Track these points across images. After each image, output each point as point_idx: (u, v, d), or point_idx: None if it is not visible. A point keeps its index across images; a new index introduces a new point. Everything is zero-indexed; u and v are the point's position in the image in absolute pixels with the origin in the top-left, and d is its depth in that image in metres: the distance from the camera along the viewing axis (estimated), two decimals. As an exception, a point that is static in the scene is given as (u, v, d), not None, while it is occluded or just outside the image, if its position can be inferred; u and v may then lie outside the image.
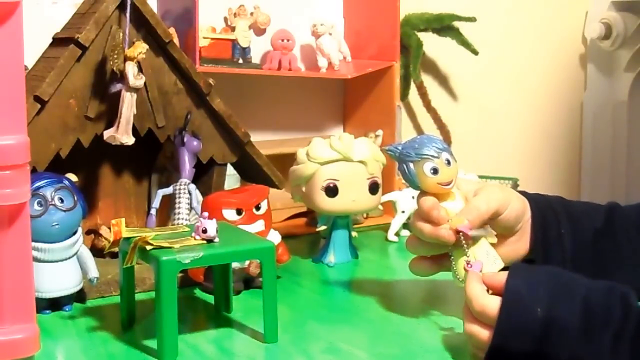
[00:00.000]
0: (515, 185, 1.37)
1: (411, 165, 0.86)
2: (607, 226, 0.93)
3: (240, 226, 0.95)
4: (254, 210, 0.99)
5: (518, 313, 0.73)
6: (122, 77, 0.96)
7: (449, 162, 0.86)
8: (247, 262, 0.98)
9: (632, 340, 0.70)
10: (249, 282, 1.00)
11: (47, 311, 0.92)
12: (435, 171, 0.85)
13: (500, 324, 0.73)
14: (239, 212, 0.98)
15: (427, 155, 0.85)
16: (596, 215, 0.94)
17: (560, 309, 0.72)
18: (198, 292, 1.00)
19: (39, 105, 0.95)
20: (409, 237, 0.91)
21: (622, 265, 0.93)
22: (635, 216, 0.95)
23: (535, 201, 0.93)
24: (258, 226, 0.99)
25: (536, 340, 0.71)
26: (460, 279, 0.84)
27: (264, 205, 1.00)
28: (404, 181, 0.89)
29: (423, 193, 0.87)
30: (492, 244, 0.87)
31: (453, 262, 0.86)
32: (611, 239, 0.93)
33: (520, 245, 0.91)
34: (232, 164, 1.13)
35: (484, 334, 0.74)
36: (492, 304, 0.74)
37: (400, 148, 0.87)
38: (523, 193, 0.94)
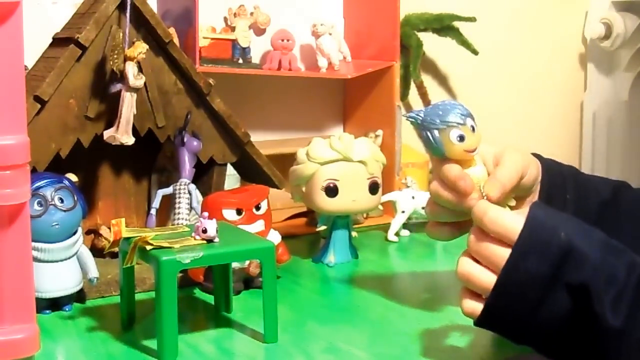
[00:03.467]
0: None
1: (436, 132, 0.83)
2: (613, 200, 0.93)
3: (240, 226, 0.95)
4: (254, 210, 0.99)
5: (542, 232, 0.72)
6: (122, 77, 0.96)
7: (473, 129, 0.83)
8: (247, 262, 0.98)
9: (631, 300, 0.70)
10: (249, 282, 1.01)
11: (47, 311, 0.92)
12: (461, 138, 0.83)
13: (521, 240, 0.72)
14: (239, 212, 0.98)
15: (453, 122, 0.82)
16: (604, 188, 0.94)
17: (581, 241, 0.72)
18: (198, 292, 1.00)
19: (39, 105, 0.95)
20: (429, 203, 0.87)
21: (622, 241, 0.92)
22: None
23: (547, 166, 0.93)
24: (258, 226, 0.99)
25: (554, 263, 0.71)
26: None
27: (264, 205, 1.00)
28: (425, 149, 0.86)
29: (446, 160, 0.84)
30: (510, 207, 0.86)
31: None
32: (615, 213, 0.92)
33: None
34: (232, 164, 1.13)
35: (486, 275, 0.73)
36: (513, 223, 0.73)
37: (422, 115, 0.84)
38: (537, 156, 0.93)
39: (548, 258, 0.71)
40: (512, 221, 0.74)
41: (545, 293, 0.71)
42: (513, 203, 0.86)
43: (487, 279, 0.74)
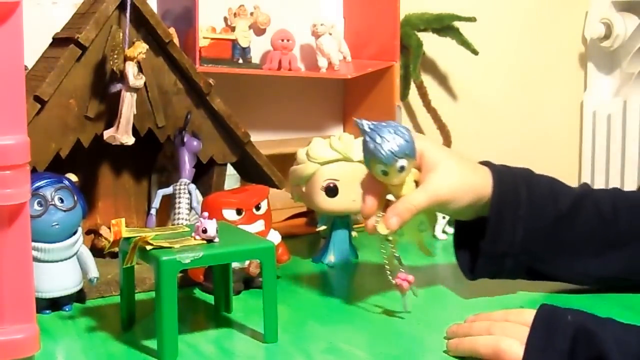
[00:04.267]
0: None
1: (368, 151, 0.85)
2: (572, 212, 0.92)
3: (240, 226, 0.95)
4: (254, 210, 0.99)
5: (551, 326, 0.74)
6: (122, 77, 0.96)
7: (402, 169, 0.85)
8: (247, 262, 0.98)
9: None
10: (249, 282, 1.00)
11: (47, 311, 0.92)
12: (385, 173, 0.85)
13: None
14: (239, 212, 0.98)
15: (381, 157, 0.84)
16: (563, 200, 0.93)
17: (591, 321, 0.73)
18: (198, 292, 1.00)
19: (39, 105, 0.95)
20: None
21: (578, 254, 0.93)
22: (605, 204, 0.94)
23: (500, 178, 0.92)
24: (258, 226, 0.99)
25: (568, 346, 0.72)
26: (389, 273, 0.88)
27: (264, 205, 1.00)
28: (364, 153, 0.87)
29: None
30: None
31: (383, 252, 0.89)
32: (571, 227, 0.92)
33: (475, 213, 0.93)
34: (232, 164, 1.13)
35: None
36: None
37: (368, 129, 0.85)
38: (489, 165, 0.93)
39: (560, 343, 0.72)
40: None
41: None
42: (423, 230, 0.91)
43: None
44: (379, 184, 0.87)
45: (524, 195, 0.92)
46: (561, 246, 0.93)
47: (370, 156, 0.85)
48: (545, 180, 0.96)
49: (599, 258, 0.93)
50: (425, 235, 0.92)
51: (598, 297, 0.94)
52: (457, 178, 0.89)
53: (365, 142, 0.85)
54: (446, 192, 0.88)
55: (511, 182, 0.93)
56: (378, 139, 0.84)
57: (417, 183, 0.89)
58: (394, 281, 0.89)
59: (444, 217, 1.25)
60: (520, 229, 0.91)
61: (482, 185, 0.91)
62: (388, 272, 0.89)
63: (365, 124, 0.85)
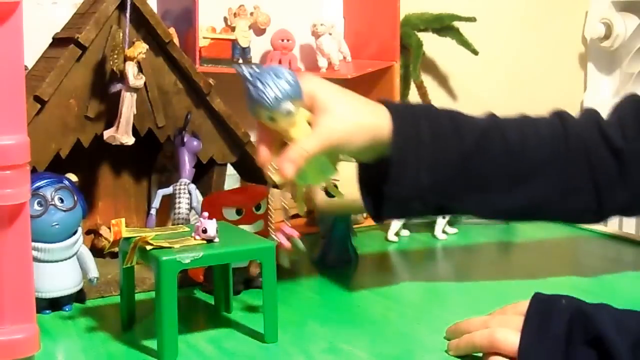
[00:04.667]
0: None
1: (251, 98, 0.82)
2: (477, 148, 0.90)
3: (240, 226, 0.95)
4: (253, 210, 0.99)
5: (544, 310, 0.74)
6: (122, 77, 0.96)
7: (289, 113, 0.82)
8: (247, 262, 0.97)
9: None
10: (249, 282, 1.00)
11: (47, 311, 0.92)
12: (271, 119, 0.82)
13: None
14: (238, 212, 0.98)
15: (264, 103, 0.81)
16: (468, 136, 0.90)
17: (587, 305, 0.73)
18: (198, 292, 1.00)
19: (39, 105, 0.95)
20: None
21: (486, 190, 0.91)
22: (512, 135, 0.92)
23: (399, 118, 0.88)
24: (258, 226, 0.99)
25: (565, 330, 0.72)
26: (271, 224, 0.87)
27: (264, 205, 1.00)
28: (248, 101, 0.84)
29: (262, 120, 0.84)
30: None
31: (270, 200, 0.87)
32: (477, 164, 0.90)
33: (376, 152, 0.89)
34: (232, 164, 1.13)
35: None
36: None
37: (249, 76, 0.81)
38: (387, 104, 0.89)
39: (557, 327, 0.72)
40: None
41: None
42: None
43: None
44: (270, 130, 0.84)
45: (426, 134, 0.88)
46: (468, 183, 0.90)
47: (254, 104, 0.81)
48: (448, 115, 0.92)
49: (507, 193, 0.91)
50: (329, 177, 0.89)
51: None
52: (350, 119, 0.85)
53: (247, 90, 0.82)
54: (339, 134, 0.84)
55: (411, 121, 0.89)
56: (260, 85, 0.81)
57: (310, 124, 0.85)
58: (273, 235, 0.87)
59: (443, 217, 1.25)
60: (425, 170, 0.88)
61: (379, 125, 0.87)
62: (270, 224, 0.86)
63: (246, 71, 0.82)
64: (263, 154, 0.84)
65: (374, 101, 0.90)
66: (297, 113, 0.83)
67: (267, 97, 0.80)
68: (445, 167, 0.89)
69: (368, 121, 0.87)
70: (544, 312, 0.73)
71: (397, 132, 0.87)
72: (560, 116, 0.97)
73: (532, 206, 0.93)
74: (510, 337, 0.74)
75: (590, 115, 0.98)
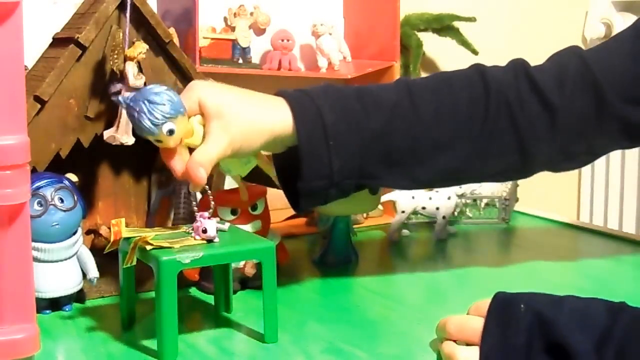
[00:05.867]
0: (515, 185, 1.37)
1: (135, 126, 0.82)
2: (387, 127, 0.88)
3: (236, 226, 0.95)
4: (249, 210, 0.99)
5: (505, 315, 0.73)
6: (122, 77, 0.96)
7: (171, 132, 0.81)
8: (242, 263, 0.97)
9: None
10: (245, 282, 1.00)
11: (47, 311, 0.92)
12: (158, 141, 0.83)
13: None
14: (233, 211, 0.98)
15: (145, 130, 0.81)
16: (377, 116, 0.88)
17: (545, 308, 0.72)
18: (197, 292, 1.00)
19: (39, 105, 0.95)
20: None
21: (403, 165, 0.89)
22: (423, 108, 0.89)
23: (300, 110, 0.86)
24: (254, 226, 0.99)
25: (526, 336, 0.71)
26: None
27: (261, 205, 1.00)
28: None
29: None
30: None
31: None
32: (390, 142, 0.88)
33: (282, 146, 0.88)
34: (232, 164, 1.13)
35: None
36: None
37: (125, 105, 0.82)
38: (285, 96, 0.87)
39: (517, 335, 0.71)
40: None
41: None
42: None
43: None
44: (169, 148, 0.84)
45: (330, 121, 0.86)
46: (383, 160, 0.88)
47: (139, 131, 0.82)
48: (353, 94, 0.89)
49: (425, 164, 0.89)
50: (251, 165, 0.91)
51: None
52: (242, 120, 0.84)
53: (130, 118, 0.83)
54: (233, 138, 0.83)
55: (314, 111, 0.86)
56: (136, 114, 0.81)
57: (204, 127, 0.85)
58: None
59: (443, 217, 1.25)
60: (336, 159, 0.86)
61: (277, 121, 0.85)
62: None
63: (122, 100, 0.82)
64: (175, 170, 0.84)
65: (271, 95, 0.89)
66: (184, 125, 0.83)
67: (144, 125, 0.81)
68: (358, 151, 0.87)
69: (264, 119, 0.85)
70: (503, 323, 0.72)
71: (300, 124, 0.85)
72: (479, 72, 0.93)
73: (453, 173, 0.91)
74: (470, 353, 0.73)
75: (517, 66, 0.94)
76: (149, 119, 0.81)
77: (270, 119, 0.86)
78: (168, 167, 0.85)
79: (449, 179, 0.94)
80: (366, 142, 0.87)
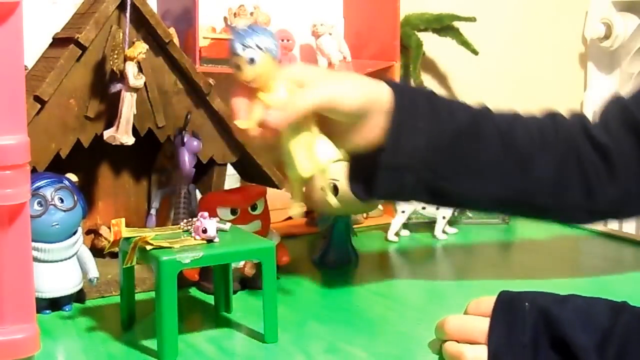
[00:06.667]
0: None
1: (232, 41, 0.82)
2: (471, 128, 0.90)
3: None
4: (249, 210, 0.99)
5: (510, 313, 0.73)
6: (122, 77, 0.96)
7: (252, 61, 0.80)
8: (242, 263, 0.97)
9: None
10: (245, 282, 1.00)
11: (47, 311, 0.92)
12: (238, 67, 0.81)
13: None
14: (233, 211, 0.98)
15: (231, 48, 0.81)
16: (462, 115, 0.90)
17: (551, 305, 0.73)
18: (197, 292, 1.00)
19: (39, 105, 0.95)
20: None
21: (479, 174, 0.90)
22: (504, 125, 0.92)
23: (398, 90, 0.87)
24: (254, 226, 0.99)
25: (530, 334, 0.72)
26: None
27: (260, 205, 1.00)
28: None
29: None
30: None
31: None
32: (471, 144, 0.90)
33: (371, 133, 0.87)
34: (232, 164, 1.13)
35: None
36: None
37: (235, 31, 0.82)
38: (389, 82, 0.89)
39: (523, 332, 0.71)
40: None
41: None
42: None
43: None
44: (242, 83, 0.82)
45: (423, 106, 0.88)
46: (460, 164, 0.89)
47: (230, 55, 0.81)
48: (442, 97, 0.92)
49: (499, 180, 0.91)
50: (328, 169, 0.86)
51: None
52: (347, 81, 0.84)
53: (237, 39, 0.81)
54: (335, 90, 0.82)
55: (409, 94, 0.88)
56: (235, 36, 0.81)
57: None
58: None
59: (443, 217, 1.25)
60: (421, 140, 0.87)
61: (375, 90, 0.86)
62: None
63: (235, 29, 0.82)
64: (237, 108, 0.82)
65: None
66: (268, 69, 0.81)
67: (232, 43, 0.80)
68: (440, 142, 0.88)
69: (365, 85, 0.86)
70: (509, 321, 0.73)
71: (396, 100, 0.86)
72: (547, 112, 0.98)
73: (524, 196, 0.92)
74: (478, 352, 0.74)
75: (576, 116, 0.99)
76: (240, 39, 0.80)
77: (368, 85, 0.86)
78: (231, 107, 0.82)
79: (519, 204, 0.94)
80: (447, 138, 0.88)
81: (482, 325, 0.74)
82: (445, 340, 0.78)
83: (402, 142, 0.87)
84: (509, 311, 0.74)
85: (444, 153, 0.89)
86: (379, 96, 0.86)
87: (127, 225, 0.84)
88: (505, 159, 0.91)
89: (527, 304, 0.73)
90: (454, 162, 0.89)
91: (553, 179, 0.92)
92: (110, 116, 0.99)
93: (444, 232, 1.26)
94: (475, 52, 1.55)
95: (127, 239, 0.83)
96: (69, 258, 0.93)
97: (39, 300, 0.84)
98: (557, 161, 0.92)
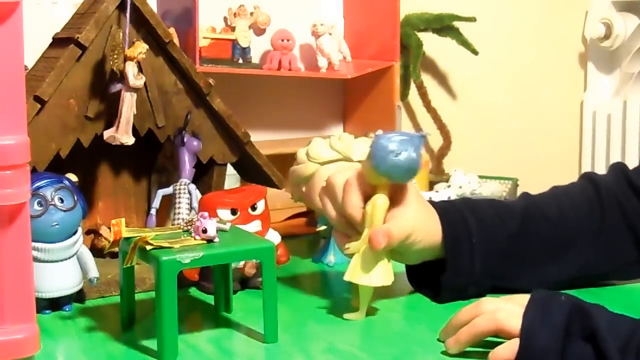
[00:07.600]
0: (515, 186, 1.37)
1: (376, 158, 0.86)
2: (522, 228, 0.95)
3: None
4: (249, 210, 0.99)
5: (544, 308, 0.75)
6: (122, 77, 0.96)
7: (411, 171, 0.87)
8: (242, 263, 0.97)
9: None
10: (244, 282, 1.00)
11: (47, 311, 0.92)
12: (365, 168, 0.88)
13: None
14: (233, 212, 0.98)
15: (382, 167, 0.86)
16: (510, 219, 0.95)
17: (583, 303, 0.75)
18: (197, 292, 1.00)
19: (39, 105, 0.95)
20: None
21: (535, 265, 0.95)
22: (550, 209, 0.97)
23: (446, 214, 0.93)
24: (254, 226, 0.99)
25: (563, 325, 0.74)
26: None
27: (260, 205, 1.00)
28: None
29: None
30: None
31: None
32: (524, 242, 0.95)
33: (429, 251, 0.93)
34: (232, 164, 1.13)
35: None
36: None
37: (382, 141, 0.87)
38: (431, 203, 0.94)
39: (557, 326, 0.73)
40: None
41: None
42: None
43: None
44: (367, 187, 0.89)
45: (473, 223, 0.94)
46: (518, 261, 0.95)
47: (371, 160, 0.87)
48: (486, 204, 0.98)
49: (555, 263, 0.96)
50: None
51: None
52: (419, 214, 0.91)
53: (374, 151, 0.87)
54: (407, 227, 0.89)
55: (457, 213, 0.94)
56: (389, 148, 0.86)
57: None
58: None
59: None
60: (478, 257, 0.93)
61: (433, 229, 0.92)
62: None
63: (383, 135, 0.88)
64: (335, 205, 0.91)
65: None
66: (374, 178, 0.88)
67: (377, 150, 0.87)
68: (496, 252, 0.94)
69: (428, 223, 0.92)
70: (544, 305, 0.75)
71: (448, 227, 0.92)
72: (588, 177, 1.01)
73: (582, 271, 0.97)
74: (512, 318, 0.75)
75: (616, 168, 1.02)
76: (384, 149, 0.86)
77: (429, 224, 0.92)
78: (345, 199, 0.90)
79: (579, 279, 0.97)
80: (502, 245, 0.94)
81: (515, 309, 0.76)
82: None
83: (461, 265, 0.93)
84: (545, 299, 0.76)
85: (501, 259, 0.94)
86: (435, 232, 0.92)
87: (127, 225, 0.84)
88: (558, 245, 0.96)
89: (562, 297, 0.76)
90: (510, 263, 0.95)
91: (605, 249, 0.96)
92: (110, 116, 0.99)
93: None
94: (475, 52, 1.55)
95: (127, 239, 0.83)
96: (69, 258, 0.93)
97: (39, 300, 0.84)
98: (607, 230, 0.96)
